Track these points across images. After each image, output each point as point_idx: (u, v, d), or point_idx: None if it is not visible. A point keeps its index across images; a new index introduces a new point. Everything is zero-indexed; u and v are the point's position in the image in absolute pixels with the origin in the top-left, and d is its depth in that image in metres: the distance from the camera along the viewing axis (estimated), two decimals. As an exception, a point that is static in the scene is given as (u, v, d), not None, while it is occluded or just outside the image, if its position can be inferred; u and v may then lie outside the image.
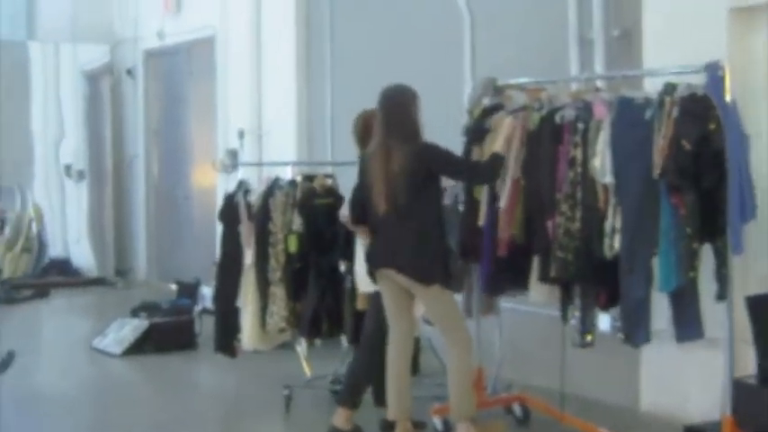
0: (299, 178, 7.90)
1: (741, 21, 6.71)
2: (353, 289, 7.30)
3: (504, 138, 6.38)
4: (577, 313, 6.37)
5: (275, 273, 7.68)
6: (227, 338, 8.00)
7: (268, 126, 11.82)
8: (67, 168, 16.04)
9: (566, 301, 6.47)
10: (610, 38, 7.65)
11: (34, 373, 9.27)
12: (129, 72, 14.86)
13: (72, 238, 16.24)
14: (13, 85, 17.11)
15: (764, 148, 6.18)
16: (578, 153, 6.15)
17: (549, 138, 6.31)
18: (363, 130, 6.80)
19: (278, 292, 7.68)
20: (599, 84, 6.88)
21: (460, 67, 8.80)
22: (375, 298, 6.77)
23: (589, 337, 6.39)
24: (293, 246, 7.60)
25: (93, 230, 15.78)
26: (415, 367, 7.54)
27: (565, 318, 6.50)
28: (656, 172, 5.75)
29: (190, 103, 13.95)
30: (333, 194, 7.79)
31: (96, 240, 15.71)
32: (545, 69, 7.69)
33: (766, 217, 6.07)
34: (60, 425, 7.73)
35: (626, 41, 7.55)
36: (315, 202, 7.64)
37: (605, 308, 6.42)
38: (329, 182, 7.88)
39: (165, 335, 9.93)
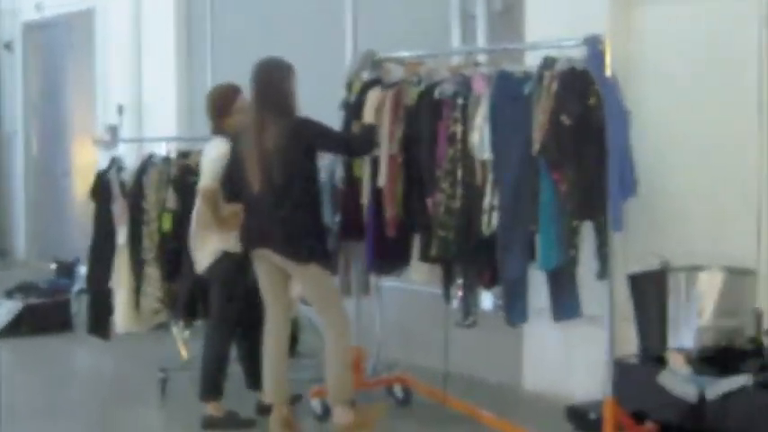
0: (173, 155, 7.63)
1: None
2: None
3: (372, 108, 6.26)
4: (459, 293, 6.24)
5: (149, 252, 7.45)
6: (99, 320, 7.76)
7: (148, 101, 11.51)
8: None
9: (448, 281, 6.34)
10: (492, 12, 7.54)
11: None
12: (8, 46, 14.38)
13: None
14: None
15: (645, 124, 6.08)
16: (458, 129, 5.99)
17: (429, 113, 6.15)
18: (214, 105, 6.65)
19: (152, 273, 7.45)
20: (480, 58, 6.74)
21: (342, 41, 8.63)
22: (215, 283, 6.63)
23: (471, 318, 6.26)
24: (167, 224, 7.34)
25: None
26: (293, 348, 7.39)
27: (447, 297, 6.37)
28: (536, 148, 5.63)
29: (69, 78, 13.54)
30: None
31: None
32: (428, 44, 7.56)
33: (646, 194, 5.97)
34: None
35: (509, 16, 7.45)
36: (190, 180, 7.37)
37: (489, 287, 6.31)
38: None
39: (40, 316, 9.63)
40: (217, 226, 6.40)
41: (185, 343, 7.99)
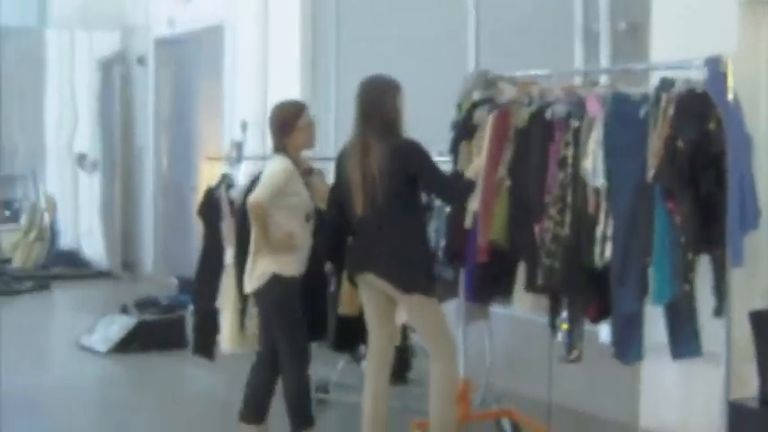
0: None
1: (752, 15, 6.24)
2: (338, 292, 6.86)
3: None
4: (564, 326, 5.92)
5: (255, 273, 7.25)
6: (205, 340, 7.58)
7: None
8: (81, 158, 15.72)
9: (554, 312, 6.03)
10: (616, 31, 7.20)
11: (11, 371, 8.93)
12: (140, 60, 14.47)
13: (83, 230, 15.94)
14: (28, 73, 16.89)
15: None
16: (570, 153, 5.69)
17: (539, 135, 5.86)
18: (277, 123, 6.28)
19: (257, 294, 7.25)
20: (602, 79, 6.42)
21: (464, 60, 8.38)
22: (266, 308, 6.35)
23: (575, 352, 5.93)
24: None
25: (104, 222, 15.42)
26: (403, 375, 7.12)
27: (552, 328, 6.05)
28: (650, 174, 5.30)
29: (199, 94, 13.56)
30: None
31: (107, 232, 15.36)
32: (550, 63, 7.25)
33: (770, 226, 5.59)
34: (24, 426, 7.42)
35: (633, 35, 7.10)
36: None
37: (595, 321, 5.97)
38: (318, 176, 7.40)
39: (154, 333, 9.56)
40: (265, 245, 6.12)
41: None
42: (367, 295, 6.03)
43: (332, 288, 6.96)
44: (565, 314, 5.91)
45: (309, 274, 7.02)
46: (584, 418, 7.02)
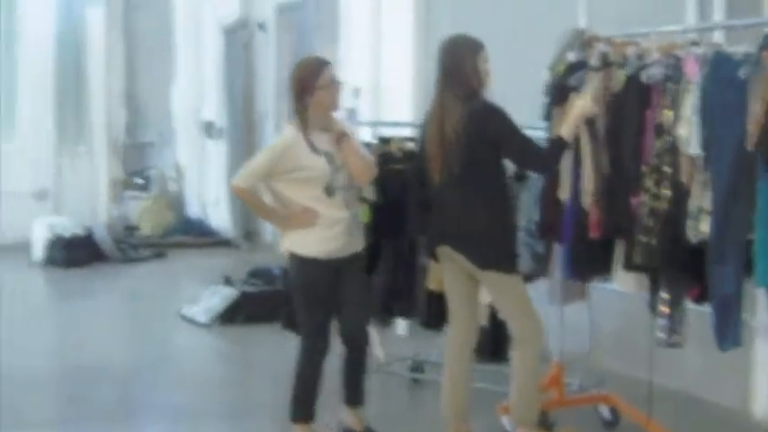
0: (374, 141, 7.10)
1: None
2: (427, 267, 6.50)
3: (577, 114, 5.44)
4: (663, 308, 5.43)
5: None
6: (293, 314, 7.27)
7: (386, 85, 11.06)
8: (208, 126, 15.62)
9: (654, 292, 5.54)
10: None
11: (109, 341, 8.85)
12: (261, 26, 14.26)
13: (210, 199, 15.86)
14: (156, 41, 16.86)
15: None
16: (666, 119, 5.20)
17: (635, 100, 5.37)
18: (294, 82, 5.68)
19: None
20: (717, 37, 5.91)
21: (575, 20, 7.91)
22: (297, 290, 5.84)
23: (676, 337, 5.44)
24: (364, 216, 6.76)
25: (231, 191, 15.27)
26: (501, 353, 6.65)
27: (653, 309, 5.57)
28: (751, 142, 4.78)
29: (317, 60, 13.27)
30: (412, 159, 6.92)
31: (232, 201, 15.23)
32: (662, 21, 6.73)
33: None
34: (102, 397, 7.28)
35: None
36: (390, 168, 6.82)
37: (698, 301, 5.45)
38: (409, 146, 6.99)
39: (256, 305, 9.26)
40: (271, 221, 5.83)
41: (381, 343, 7.46)
42: (448, 270, 5.65)
43: (422, 261, 6.64)
44: (664, 294, 5.43)
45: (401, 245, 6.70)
46: (690, 403, 6.56)
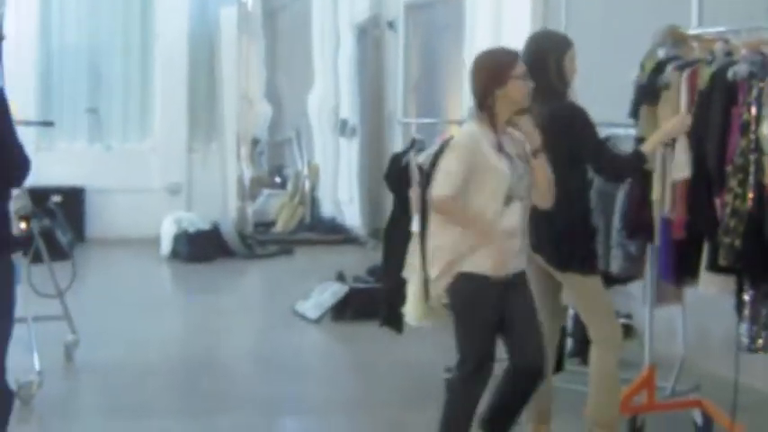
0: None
1: None
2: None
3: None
4: (746, 312, 5.28)
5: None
6: (392, 311, 7.29)
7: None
8: (342, 124, 15.76)
9: (739, 295, 5.40)
10: None
11: (220, 335, 8.99)
12: (391, 25, 14.30)
13: (343, 197, 15.99)
14: (295, 40, 17.09)
15: None
16: (752, 117, 5.06)
17: (721, 98, 5.25)
18: (487, 72, 5.02)
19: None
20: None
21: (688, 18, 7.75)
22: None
23: (760, 342, 5.28)
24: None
25: (361, 189, 15.40)
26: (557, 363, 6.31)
27: (739, 312, 5.42)
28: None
29: (443, 59, 13.27)
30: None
31: (363, 199, 15.35)
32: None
33: None
34: (203, 391, 7.38)
35: None
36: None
37: (784, 305, 5.29)
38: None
39: (365, 301, 9.26)
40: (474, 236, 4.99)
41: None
42: (529, 271, 5.58)
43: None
44: (747, 297, 5.28)
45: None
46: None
